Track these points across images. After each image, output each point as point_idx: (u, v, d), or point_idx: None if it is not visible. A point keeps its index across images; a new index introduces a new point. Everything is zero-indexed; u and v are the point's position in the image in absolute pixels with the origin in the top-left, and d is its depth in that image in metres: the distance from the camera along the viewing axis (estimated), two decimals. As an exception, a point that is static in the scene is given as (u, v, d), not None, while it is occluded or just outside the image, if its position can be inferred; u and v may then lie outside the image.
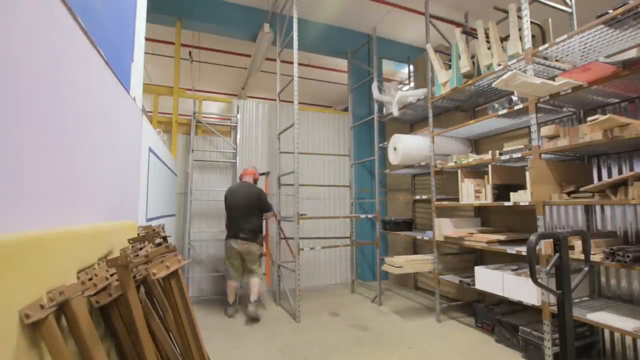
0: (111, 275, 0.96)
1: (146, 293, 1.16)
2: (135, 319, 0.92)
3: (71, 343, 0.76)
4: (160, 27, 4.95)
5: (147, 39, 2.46)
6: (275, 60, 4.30)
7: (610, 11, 1.93)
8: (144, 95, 2.21)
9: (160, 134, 3.68)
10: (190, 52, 6.16)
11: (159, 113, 4.60)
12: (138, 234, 1.61)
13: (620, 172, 2.55)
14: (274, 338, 2.96)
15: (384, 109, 4.43)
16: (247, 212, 3.46)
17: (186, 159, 4.42)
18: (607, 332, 2.53)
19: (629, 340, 2.40)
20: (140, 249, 1.33)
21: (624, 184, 2.03)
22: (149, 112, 4.35)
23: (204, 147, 4.56)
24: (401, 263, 3.45)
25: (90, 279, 0.88)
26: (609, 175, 2.62)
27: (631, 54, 1.99)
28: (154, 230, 1.69)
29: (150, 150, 2.36)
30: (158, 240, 1.47)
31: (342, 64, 6.11)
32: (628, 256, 1.94)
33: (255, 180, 3.79)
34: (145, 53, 2.21)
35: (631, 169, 2.48)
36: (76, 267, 0.91)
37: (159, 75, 7.04)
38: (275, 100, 4.44)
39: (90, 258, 1.02)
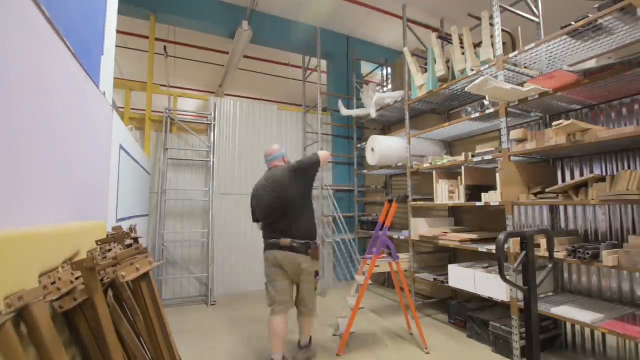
0: (77, 278, 0.91)
1: (115, 297, 1.11)
2: (102, 324, 0.88)
3: (32, 351, 0.72)
4: (133, 19, 4.76)
5: (118, 32, 2.35)
6: (252, 58, 4.25)
7: (573, 23, 2.05)
8: (115, 90, 2.12)
9: (133, 131, 3.55)
10: (165, 47, 5.97)
11: (132, 109, 4.42)
12: (107, 235, 1.54)
13: (581, 175, 2.71)
14: (250, 340, 2.92)
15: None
16: (287, 209, 2.33)
17: (160, 158, 4.27)
18: (569, 325, 2.68)
19: (587, 332, 2.56)
20: (109, 250, 1.27)
21: (585, 185, 2.16)
22: (120, 107, 4.17)
23: (179, 145, 4.43)
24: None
25: (53, 283, 0.83)
26: (572, 177, 2.77)
27: (591, 64, 2.12)
28: (124, 231, 1.62)
29: (122, 147, 2.27)
30: (128, 242, 1.41)
31: (322, 64, 6.11)
32: (588, 253, 2.07)
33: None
34: (117, 46, 2.12)
35: (591, 172, 2.64)
36: (38, 270, 0.86)
37: (132, 69, 6.77)
38: (255, 98, 4.37)
39: (55, 261, 0.97)
